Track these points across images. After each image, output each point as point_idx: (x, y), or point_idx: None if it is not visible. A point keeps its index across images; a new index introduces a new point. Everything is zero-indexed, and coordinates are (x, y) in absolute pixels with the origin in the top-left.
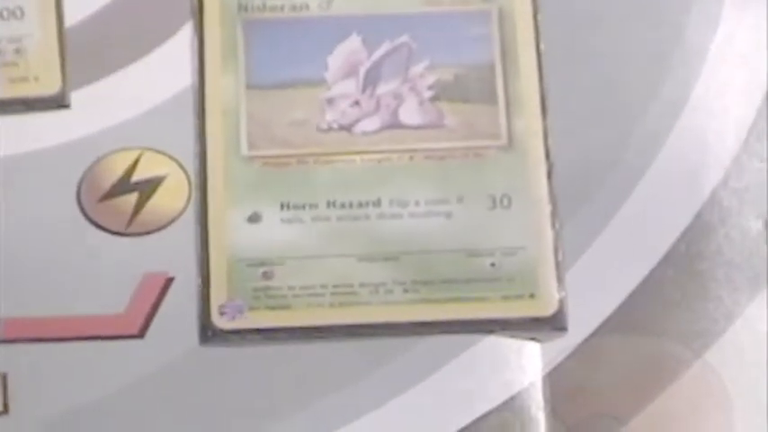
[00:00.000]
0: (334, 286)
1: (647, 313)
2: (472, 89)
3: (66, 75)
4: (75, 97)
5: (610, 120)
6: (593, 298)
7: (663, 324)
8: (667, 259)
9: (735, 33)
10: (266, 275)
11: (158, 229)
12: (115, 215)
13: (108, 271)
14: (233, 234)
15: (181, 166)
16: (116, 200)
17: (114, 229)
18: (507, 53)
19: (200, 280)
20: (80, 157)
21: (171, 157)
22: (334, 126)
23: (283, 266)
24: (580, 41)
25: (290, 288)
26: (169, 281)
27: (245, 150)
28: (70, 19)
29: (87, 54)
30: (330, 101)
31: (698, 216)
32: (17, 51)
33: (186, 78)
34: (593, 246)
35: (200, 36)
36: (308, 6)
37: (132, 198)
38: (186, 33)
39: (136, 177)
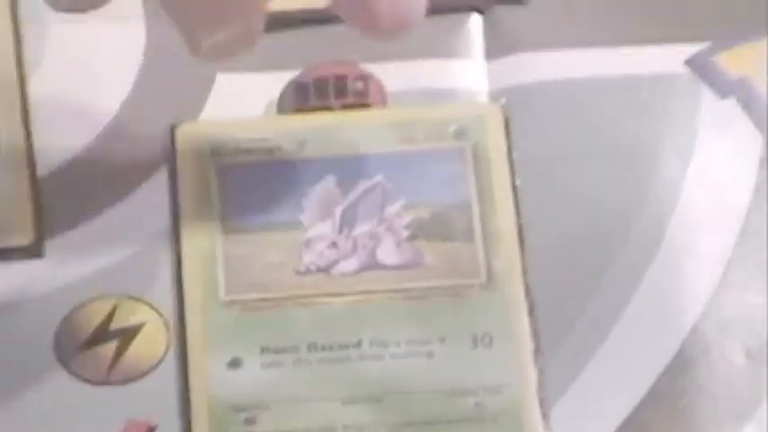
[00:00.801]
0: (319, 429)
1: None
2: (450, 227)
3: (39, 224)
4: (49, 246)
5: (586, 258)
6: None
7: None
8: (650, 396)
9: (709, 163)
10: (249, 421)
11: (139, 377)
12: (94, 364)
13: (89, 421)
14: (214, 380)
15: (158, 313)
16: (94, 349)
17: (94, 378)
18: (483, 191)
19: (182, 428)
20: (55, 308)
21: (148, 304)
22: (312, 268)
23: (266, 411)
24: (554, 178)
25: None
26: (151, 429)
27: (222, 295)
28: (42, 168)
29: (61, 202)
30: (307, 243)
31: (680, 351)
32: None
33: (162, 223)
34: (573, 385)
35: (173, 181)
36: (281, 149)
37: (111, 347)
38: (160, 178)
39: (113, 326)
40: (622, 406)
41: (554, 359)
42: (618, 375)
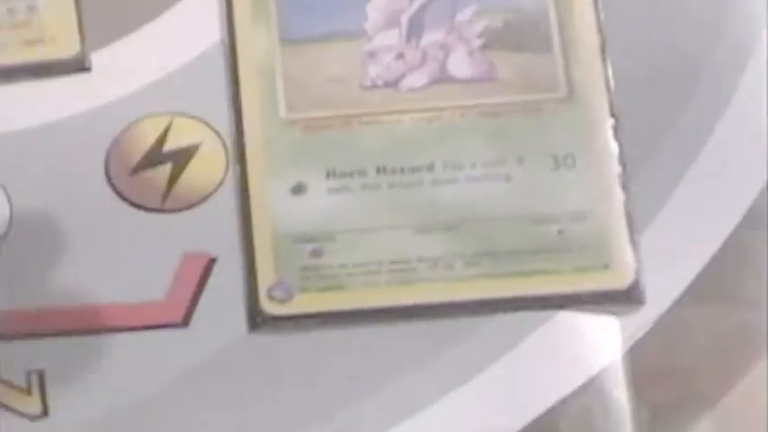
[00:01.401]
0: (391, 262)
1: (729, 280)
2: (525, 36)
3: (84, 34)
4: (96, 59)
5: (672, 70)
6: (669, 266)
7: (748, 292)
8: (748, 219)
9: None
10: (315, 253)
11: (196, 204)
12: (148, 190)
13: (144, 252)
14: (277, 207)
15: (216, 133)
16: (148, 172)
17: (148, 204)
18: None
19: (244, 261)
20: (105, 126)
21: (204, 123)
22: (379, 82)
23: (333, 242)
24: None
25: (342, 266)
26: (211, 261)
27: (283, 113)
28: None
29: (104, 10)
30: (372, 54)
31: None
32: (30, 9)
33: (215, 33)
34: (664, 208)
35: None
36: None
37: (166, 170)
38: None
39: (168, 147)
40: (717, 232)
41: (641, 181)
42: (711, 199)
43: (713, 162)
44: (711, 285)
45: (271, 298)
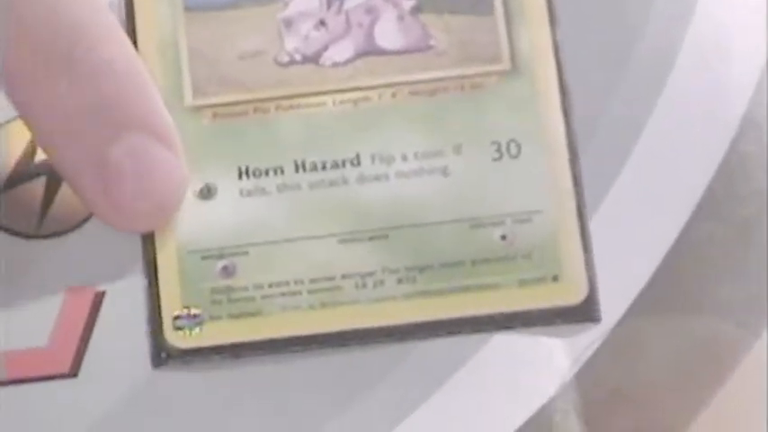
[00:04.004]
0: (312, 281)
1: (685, 285)
2: None
3: None
4: None
5: (608, 28)
6: (615, 272)
7: (708, 297)
8: (702, 209)
9: None
10: (226, 271)
11: (78, 226)
12: (19, 211)
13: (20, 290)
14: (182, 217)
15: None
16: (17, 190)
17: (21, 229)
18: None
19: (146, 286)
20: None
21: None
22: (297, 57)
23: (246, 257)
24: None
25: (257, 287)
26: (99, 296)
27: (189, 99)
28: None
29: None
30: (288, 22)
31: (733, 145)
32: None
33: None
34: (604, 203)
35: None
36: None
37: (39, 185)
38: None
39: (40, 155)
40: (667, 228)
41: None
42: (658, 188)
43: (655, 147)
44: (664, 292)
45: (177, 328)
